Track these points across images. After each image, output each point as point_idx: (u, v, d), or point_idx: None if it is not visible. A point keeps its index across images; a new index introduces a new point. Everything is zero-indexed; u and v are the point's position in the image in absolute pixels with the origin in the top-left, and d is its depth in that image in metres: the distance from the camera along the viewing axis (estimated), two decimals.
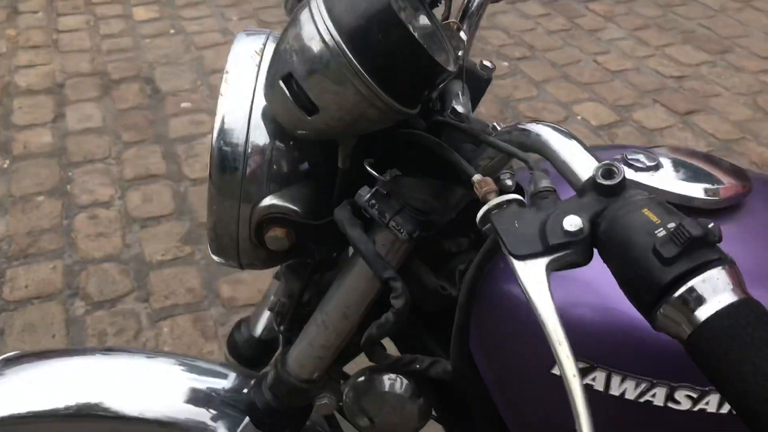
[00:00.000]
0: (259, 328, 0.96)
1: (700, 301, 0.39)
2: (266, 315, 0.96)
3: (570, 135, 0.50)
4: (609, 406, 0.64)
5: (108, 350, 0.97)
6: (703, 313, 0.39)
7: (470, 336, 0.64)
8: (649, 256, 0.41)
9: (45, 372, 0.90)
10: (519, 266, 0.45)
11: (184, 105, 2.97)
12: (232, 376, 0.92)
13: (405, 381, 0.79)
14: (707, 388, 0.61)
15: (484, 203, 0.48)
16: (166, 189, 2.49)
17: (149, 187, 2.49)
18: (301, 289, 0.74)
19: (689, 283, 0.40)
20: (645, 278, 0.41)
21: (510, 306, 0.67)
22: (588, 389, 0.64)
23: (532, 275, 0.44)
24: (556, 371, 0.64)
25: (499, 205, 0.47)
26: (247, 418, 0.77)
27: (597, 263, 0.65)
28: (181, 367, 0.93)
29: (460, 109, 0.59)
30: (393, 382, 0.80)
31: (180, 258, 2.20)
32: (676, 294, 0.40)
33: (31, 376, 0.89)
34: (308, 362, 0.69)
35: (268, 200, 0.60)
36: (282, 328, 0.75)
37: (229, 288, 2.10)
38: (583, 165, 0.48)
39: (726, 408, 0.62)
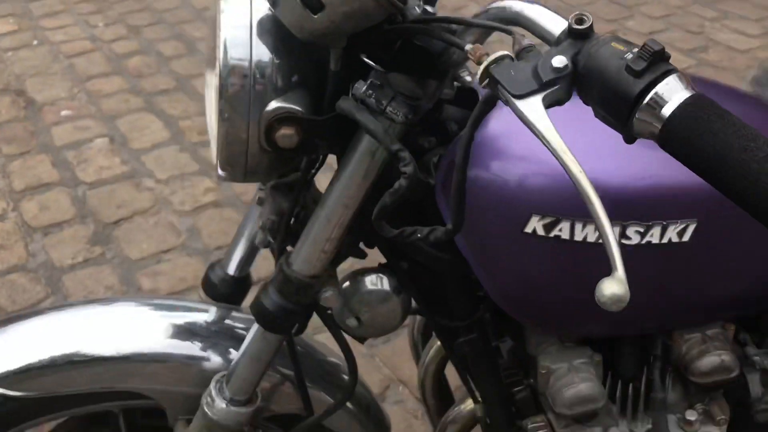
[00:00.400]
0: (232, 267, 1.02)
1: (665, 101, 0.52)
2: (238, 254, 1.01)
3: (535, 2, 0.62)
4: (575, 251, 0.76)
5: (79, 304, 0.98)
6: (669, 109, 0.51)
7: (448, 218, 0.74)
8: (623, 74, 0.52)
9: (29, 329, 0.91)
10: (521, 104, 0.55)
11: (64, 113, 2.89)
12: (213, 310, 0.97)
13: (386, 279, 0.89)
14: (650, 223, 0.75)
15: (479, 64, 0.58)
16: (63, 195, 2.43)
17: (44, 196, 2.42)
18: (291, 207, 0.81)
19: (656, 89, 0.52)
20: (621, 93, 0.53)
21: (482, 186, 0.77)
22: (556, 239, 0.76)
23: (533, 109, 0.55)
24: (528, 230, 0.76)
25: (494, 61, 0.57)
26: (254, 326, 0.83)
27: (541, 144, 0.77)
28: (161, 308, 0.97)
29: (430, 9, 0.69)
30: (376, 282, 0.89)
31: (92, 259, 2.17)
32: (647, 99, 0.52)
33: (16, 335, 0.91)
34: (313, 258, 0.77)
35: (274, 104, 0.68)
36: (276, 240, 0.83)
37: (150, 280, 2.09)
38: (555, 22, 0.60)
39: (666, 238, 0.76)
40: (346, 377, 1.02)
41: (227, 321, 0.97)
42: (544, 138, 0.54)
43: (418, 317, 1.29)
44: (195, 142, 2.71)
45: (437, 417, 1.22)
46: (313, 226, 0.76)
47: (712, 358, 0.88)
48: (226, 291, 1.01)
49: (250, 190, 2.47)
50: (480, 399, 0.96)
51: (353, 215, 0.75)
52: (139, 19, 3.69)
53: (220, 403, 0.86)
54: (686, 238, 0.76)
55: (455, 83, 0.78)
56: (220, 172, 0.74)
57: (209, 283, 1.02)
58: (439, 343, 1.21)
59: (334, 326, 0.87)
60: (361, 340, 0.93)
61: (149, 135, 2.75)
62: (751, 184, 0.48)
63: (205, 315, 0.96)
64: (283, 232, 0.82)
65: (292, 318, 0.80)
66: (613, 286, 0.49)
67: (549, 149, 0.54)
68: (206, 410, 0.87)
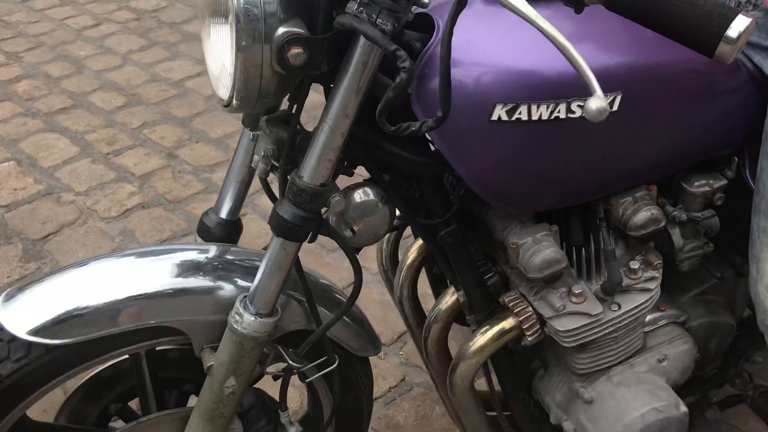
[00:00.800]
0: (224, 211, 1.12)
1: None
2: (229, 198, 1.12)
3: None
4: (533, 130, 0.93)
5: (95, 258, 1.05)
6: None
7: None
8: None
9: (57, 284, 0.99)
10: None
11: None
12: (214, 248, 1.07)
13: (372, 191, 1.02)
14: (586, 97, 0.92)
15: None
16: None
17: None
18: (291, 133, 0.94)
19: None
20: None
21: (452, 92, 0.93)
22: (518, 122, 0.93)
23: None
24: (494, 117, 0.92)
25: None
26: (273, 242, 0.94)
27: (497, 43, 0.93)
28: (170, 252, 1.06)
29: None
30: (363, 195, 1.02)
31: (28, 275, 2.16)
32: None
33: (46, 290, 0.98)
34: (321, 166, 0.89)
35: (282, 29, 0.81)
36: (280, 164, 0.95)
37: None
38: None
39: None
40: (338, 296, 1.16)
41: (228, 256, 1.07)
42: (525, 14, 0.71)
43: (384, 250, 1.44)
44: (106, 152, 2.73)
45: (418, 330, 1.37)
46: (318, 138, 0.89)
47: (644, 213, 1.08)
48: (220, 233, 1.12)
49: (174, 189, 2.53)
50: (462, 285, 1.12)
51: (351, 125, 0.89)
52: (15, 45, 3.61)
53: (249, 317, 0.97)
54: (616, 107, 0.95)
55: (414, 8, 0.93)
56: (234, 102, 0.85)
57: (204, 228, 1.12)
58: (406, 266, 1.36)
59: (339, 238, 1.00)
60: (357, 249, 1.06)
61: (57, 152, 2.73)
62: (680, 19, 0.67)
63: (209, 253, 1.06)
64: (285, 156, 0.94)
65: (308, 225, 0.92)
66: (598, 102, 0.66)
67: (530, 22, 0.71)
68: (235, 327, 0.97)
